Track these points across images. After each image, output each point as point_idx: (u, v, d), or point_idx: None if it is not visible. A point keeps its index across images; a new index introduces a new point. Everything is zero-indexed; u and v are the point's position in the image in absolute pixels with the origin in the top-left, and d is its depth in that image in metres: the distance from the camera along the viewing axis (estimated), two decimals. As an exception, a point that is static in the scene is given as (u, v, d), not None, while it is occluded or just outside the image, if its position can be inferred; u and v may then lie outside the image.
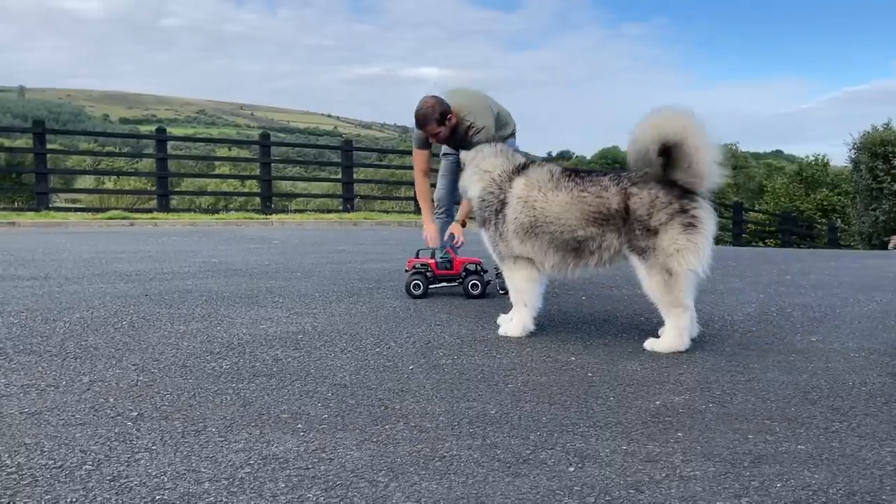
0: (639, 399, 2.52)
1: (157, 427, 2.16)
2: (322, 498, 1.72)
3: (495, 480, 1.83)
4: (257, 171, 15.08)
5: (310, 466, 1.90)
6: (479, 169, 3.61)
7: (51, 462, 1.89)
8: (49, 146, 12.93)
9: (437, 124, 4.13)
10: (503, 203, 3.46)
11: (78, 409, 2.30)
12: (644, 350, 3.22)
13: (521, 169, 3.51)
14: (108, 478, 1.80)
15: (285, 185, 21.10)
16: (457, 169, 4.38)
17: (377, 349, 3.17)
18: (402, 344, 3.27)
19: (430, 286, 4.51)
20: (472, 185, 3.64)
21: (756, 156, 58.70)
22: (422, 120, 4.17)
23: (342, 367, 2.88)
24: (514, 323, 3.51)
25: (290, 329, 3.51)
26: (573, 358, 3.08)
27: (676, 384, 2.71)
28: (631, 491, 1.78)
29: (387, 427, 2.20)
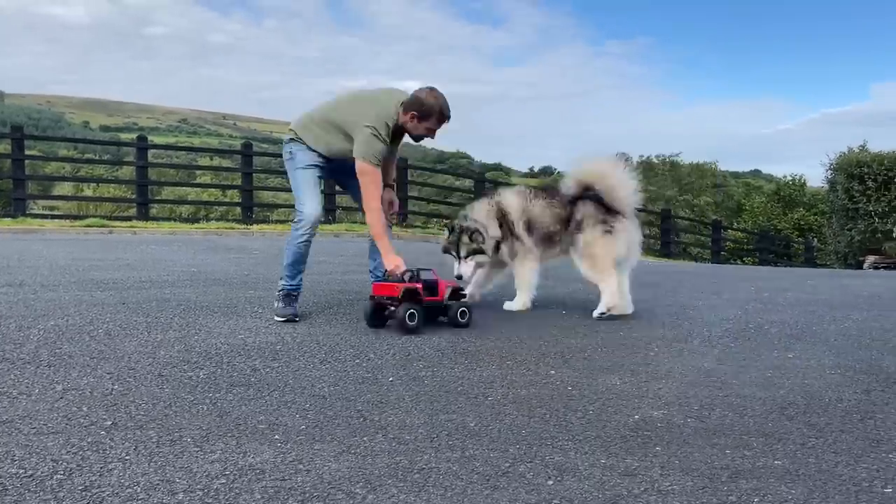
0: (618, 413, 2.52)
1: (131, 436, 2.12)
2: (298, 510, 1.69)
3: (474, 493, 1.82)
4: (239, 181, 15.00)
5: (286, 478, 1.87)
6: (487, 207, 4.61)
7: (21, 471, 1.85)
8: (28, 152, 12.79)
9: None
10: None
11: (50, 417, 2.26)
12: (623, 365, 3.23)
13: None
14: (80, 488, 1.76)
15: (267, 196, 20.99)
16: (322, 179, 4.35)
17: (356, 360, 3.15)
18: (382, 355, 3.25)
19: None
20: (491, 225, 4.51)
21: (735, 175, 59.40)
22: (447, 113, 4.13)
23: (321, 378, 2.85)
24: (516, 301, 4.62)
25: (268, 339, 3.48)
26: (553, 371, 3.08)
27: (655, 399, 2.72)
28: (609, 505, 1.78)
29: (365, 439, 2.18)
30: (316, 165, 4.19)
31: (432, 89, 4.13)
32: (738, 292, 5.97)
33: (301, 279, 4.16)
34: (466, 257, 4.40)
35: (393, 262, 4.02)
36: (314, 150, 4.18)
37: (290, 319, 3.96)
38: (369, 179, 4.03)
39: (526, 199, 4.60)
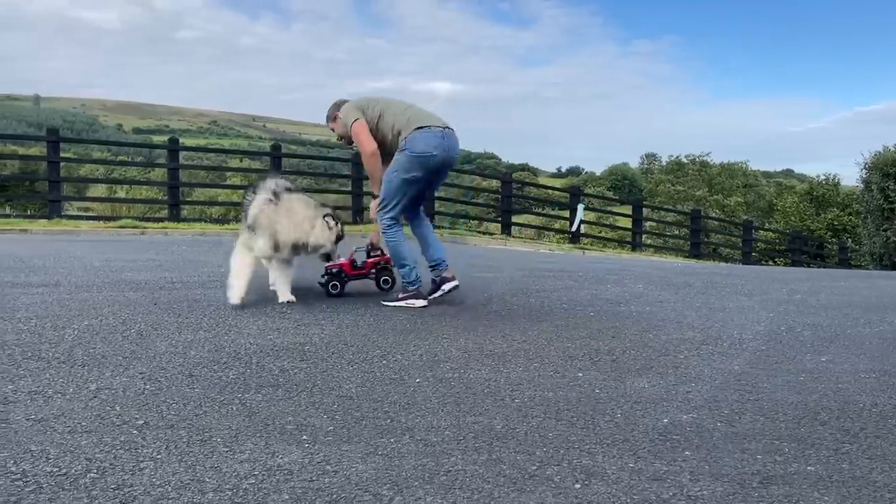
0: (646, 417, 2.50)
1: (162, 436, 2.16)
2: (326, 510, 1.71)
3: (501, 496, 1.82)
4: (268, 182, 15.13)
5: (314, 479, 1.89)
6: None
7: (55, 469, 1.89)
8: (63, 154, 13.04)
9: (333, 121, 4.86)
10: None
11: (84, 416, 2.30)
12: (652, 367, 3.20)
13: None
14: (113, 486, 1.80)
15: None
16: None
17: (384, 361, 3.17)
18: (409, 357, 3.26)
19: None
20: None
21: (766, 174, 58.60)
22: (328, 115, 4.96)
23: (348, 378, 2.87)
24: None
25: (297, 340, 3.51)
26: (580, 374, 3.06)
27: (684, 402, 2.69)
28: (637, 509, 1.76)
29: (392, 440, 2.19)
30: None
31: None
32: (769, 294, 5.88)
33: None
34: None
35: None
36: None
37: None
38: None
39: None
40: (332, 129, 4.92)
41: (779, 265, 19.67)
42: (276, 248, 4.37)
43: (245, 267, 4.37)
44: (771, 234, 26.41)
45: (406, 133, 4.53)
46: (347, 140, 4.79)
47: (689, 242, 18.43)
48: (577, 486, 1.89)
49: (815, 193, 31.17)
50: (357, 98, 4.87)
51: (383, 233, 4.68)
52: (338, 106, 4.82)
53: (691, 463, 2.08)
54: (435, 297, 4.67)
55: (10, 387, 2.58)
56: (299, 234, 4.35)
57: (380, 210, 4.65)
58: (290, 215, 4.34)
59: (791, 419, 2.51)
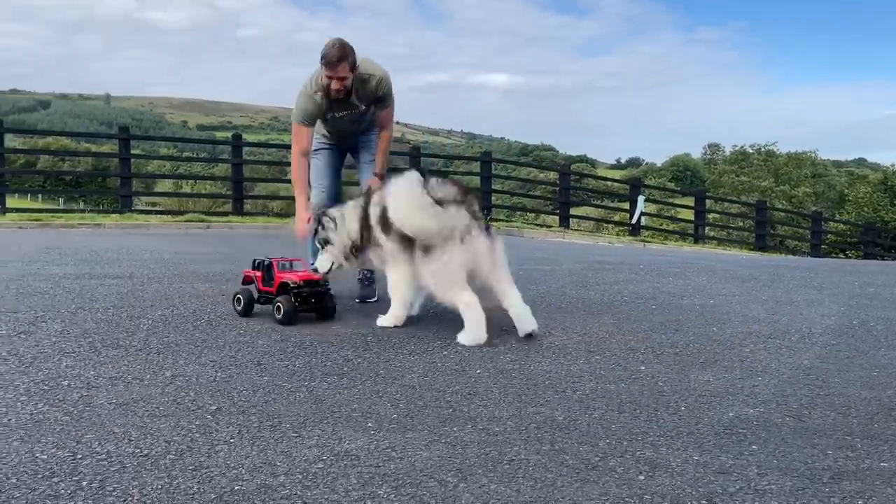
0: (711, 410, 2.47)
1: (234, 421, 2.24)
2: (393, 495, 1.75)
3: (563, 486, 1.83)
4: (328, 177, 15.37)
5: (380, 464, 1.94)
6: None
7: (137, 451, 1.98)
8: (132, 151, 13.53)
9: (350, 67, 3.96)
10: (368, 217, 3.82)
11: (161, 401, 2.41)
12: (716, 361, 3.15)
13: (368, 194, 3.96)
14: (191, 467, 1.88)
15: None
16: (338, 161, 4.52)
17: (445, 352, 3.20)
18: (469, 348, 3.29)
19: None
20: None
21: (837, 164, 56.47)
22: (338, 54, 3.86)
23: (410, 368, 2.92)
24: (388, 315, 3.74)
25: (360, 331, 3.58)
26: (643, 367, 3.04)
27: (751, 396, 2.64)
28: (703, 502, 1.75)
29: (455, 429, 2.23)
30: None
31: (333, 39, 3.97)
32: (840, 287, 5.69)
33: None
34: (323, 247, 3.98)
35: (300, 218, 4.17)
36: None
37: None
38: (293, 136, 4.25)
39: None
40: (341, 76, 3.96)
41: (850, 258, 18.95)
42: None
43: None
44: (842, 225, 25.44)
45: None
46: (346, 93, 4.07)
47: (753, 235, 17.93)
48: (641, 477, 1.89)
49: (889, 183, 29.84)
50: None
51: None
52: (355, 57, 4.01)
53: (759, 457, 2.05)
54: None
55: (92, 373, 2.71)
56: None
57: None
58: None
59: (864, 415, 2.44)
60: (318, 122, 4.31)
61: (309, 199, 4.26)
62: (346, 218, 3.86)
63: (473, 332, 3.39)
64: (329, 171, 4.51)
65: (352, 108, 4.22)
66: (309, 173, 4.33)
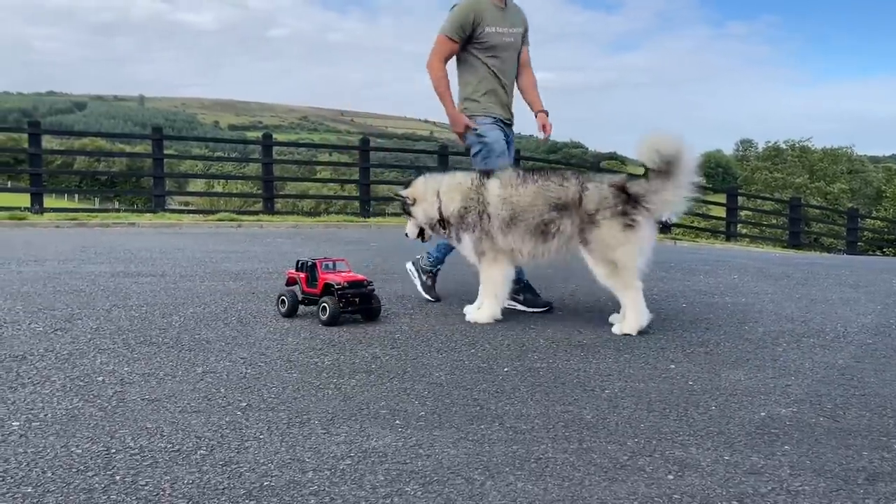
0: (742, 409, 2.44)
1: (264, 417, 2.27)
2: (420, 492, 1.76)
3: (591, 484, 1.82)
4: (356, 176, 15.48)
5: (408, 461, 1.94)
6: (452, 184, 3.90)
7: (169, 446, 2.02)
8: (165, 152, 13.74)
9: None
10: (485, 204, 3.78)
11: (193, 397, 2.45)
12: (748, 360, 3.10)
13: (489, 174, 3.88)
14: (221, 462, 1.91)
15: (383, 190, 21.57)
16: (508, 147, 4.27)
17: (472, 350, 3.20)
18: (497, 346, 3.29)
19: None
20: (452, 201, 3.87)
21: (874, 159, 55.31)
22: None
23: (438, 366, 2.92)
24: (482, 311, 3.83)
25: (387, 328, 3.60)
26: (672, 366, 3.01)
27: (783, 395, 2.60)
28: (734, 503, 1.73)
29: (482, 427, 2.23)
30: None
31: None
32: (877, 285, 5.56)
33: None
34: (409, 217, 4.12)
35: (461, 122, 4.17)
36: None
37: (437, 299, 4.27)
38: (435, 45, 4.21)
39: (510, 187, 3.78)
40: None
41: (887, 255, 18.53)
42: None
43: None
44: (879, 222, 24.89)
45: None
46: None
47: (787, 232, 17.62)
48: (670, 476, 1.87)
49: (928, 179, 29.14)
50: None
51: None
52: None
53: (791, 457, 2.01)
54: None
55: (126, 369, 2.77)
56: None
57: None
58: None
59: (901, 416, 2.39)
60: (480, 95, 4.21)
61: (454, 103, 4.25)
62: (443, 192, 3.90)
63: (642, 316, 3.59)
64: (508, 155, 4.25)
65: (511, 23, 4.23)
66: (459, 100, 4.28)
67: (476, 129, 4.16)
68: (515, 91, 4.41)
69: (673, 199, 3.57)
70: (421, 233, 4.09)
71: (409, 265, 4.63)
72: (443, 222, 3.92)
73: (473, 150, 4.21)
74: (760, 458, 2.00)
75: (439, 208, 3.89)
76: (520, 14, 4.36)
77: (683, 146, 3.50)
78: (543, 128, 4.38)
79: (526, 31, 4.38)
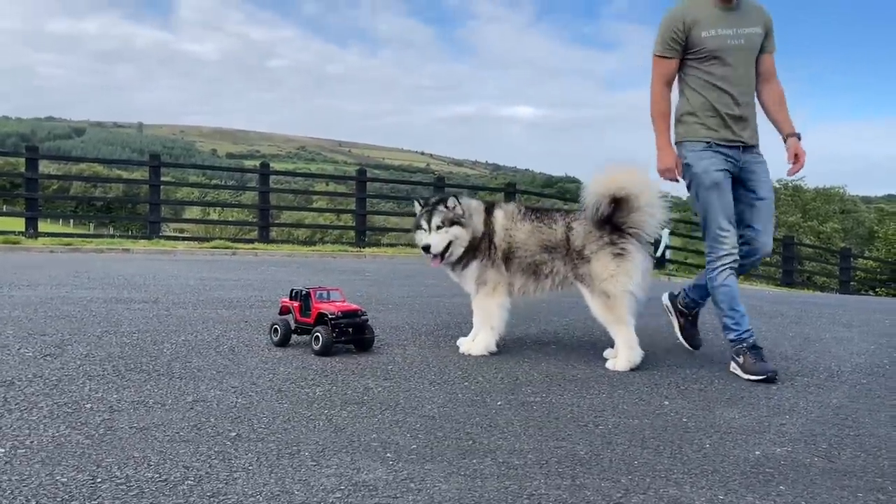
0: (737, 448, 2.42)
1: (253, 448, 2.24)
2: (410, 527, 1.73)
3: (584, 522, 1.79)
4: (353, 206, 15.52)
5: (398, 495, 1.91)
6: (476, 206, 3.89)
7: (156, 476, 1.98)
8: (162, 178, 13.77)
9: None
10: (492, 233, 3.79)
11: (182, 426, 2.42)
12: (742, 398, 3.09)
13: (493, 206, 3.92)
14: (209, 493, 1.87)
15: (379, 220, 21.61)
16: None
17: (465, 383, 3.18)
18: (490, 379, 3.27)
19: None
20: (479, 225, 3.83)
21: (866, 199, 55.77)
22: None
23: (430, 399, 2.90)
24: (477, 343, 3.80)
25: (380, 359, 3.57)
26: (666, 402, 2.99)
27: (778, 434, 2.58)
28: (728, 543, 1.70)
29: (474, 461, 2.20)
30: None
31: None
32: (870, 325, 5.57)
33: (747, 319, 3.56)
34: (439, 227, 3.74)
35: (664, 163, 3.56)
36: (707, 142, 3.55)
37: (772, 377, 3.37)
38: (652, 68, 3.64)
39: (511, 220, 3.80)
40: None
41: (880, 295, 18.57)
42: None
43: None
44: (872, 262, 25.00)
45: None
46: None
47: (780, 270, 17.68)
48: (664, 516, 1.85)
49: (920, 220, 29.39)
50: None
51: None
52: None
53: (786, 498, 1.99)
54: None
55: (115, 396, 2.73)
56: None
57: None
58: None
59: (895, 456, 2.37)
60: (689, 114, 3.59)
61: (669, 140, 3.62)
62: (474, 214, 3.83)
63: (634, 353, 3.57)
64: (732, 205, 3.56)
65: (741, 24, 3.50)
66: (675, 127, 3.66)
67: (683, 163, 3.57)
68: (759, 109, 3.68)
69: (648, 218, 3.53)
70: (446, 250, 3.75)
71: (666, 299, 4.13)
72: (473, 244, 3.77)
73: (686, 184, 3.64)
74: (755, 499, 1.98)
75: (479, 228, 3.80)
76: (757, 13, 3.59)
77: (630, 180, 3.49)
78: (795, 157, 3.58)
79: (768, 33, 3.60)
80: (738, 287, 3.57)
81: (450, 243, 3.75)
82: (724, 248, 3.49)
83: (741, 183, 3.58)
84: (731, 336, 3.53)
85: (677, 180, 3.57)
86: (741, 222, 3.58)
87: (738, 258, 3.51)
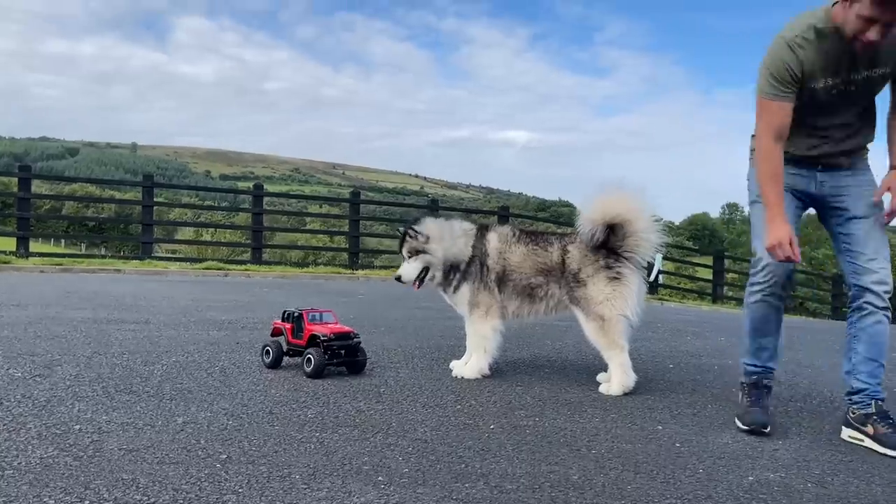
0: (730, 473, 2.41)
1: (244, 471, 2.21)
2: (401, 552, 1.71)
3: (577, 548, 1.78)
4: (346, 228, 15.53)
5: (390, 520, 1.89)
6: (467, 228, 3.90)
7: (145, 498, 1.96)
8: (155, 199, 13.75)
9: None
10: (485, 256, 3.79)
11: (172, 448, 2.39)
12: (734, 423, 3.08)
13: (486, 228, 3.92)
14: (197, 517, 1.85)
15: (372, 242, 21.61)
16: (796, 212, 3.08)
17: (458, 406, 3.16)
18: (483, 403, 3.25)
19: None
20: (466, 246, 3.82)
21: (857, 226, 56.08)
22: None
23: (423, 422, 2.88)
24: (470, 366, 3.80)
25: (372, 382, 3.55)
26: (660, 427, 2.98)
27: (771, 460, 2.57)
28: (722, 570, 1.69)
29: (467, 485, 2.18)
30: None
31: None
32: (862, 351, 5.58)
33: (771, 358, 3.23)
34: (410, 256, 3.80)
35: (774, 236, 2.80)
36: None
37: (758, 429, 2.92)
38: (756, 115, 2.92)
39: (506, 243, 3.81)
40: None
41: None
42: None
43: None
44: (862, 288, 25.11)
45: None
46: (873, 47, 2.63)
47: (773, 295, 17.71)
48: (658, 541, 1.83)
49: (911, 246, 29.61)
50: None
51: None
52: None
53: (780, 524, 1.98)
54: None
55: (104, 417, 2.71)
56: None
57: None
58: None
59: (888, 483, 2.37)
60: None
61: (782, 208, 2.85)
62: (457, 238, 3.81)
63: (628, 378, 3.58)
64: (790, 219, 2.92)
65: (861, 69, 2.77)
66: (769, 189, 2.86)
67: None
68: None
69: (643, 242, 3.58)
70: (421, 277, 3.81)
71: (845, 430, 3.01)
72: (456, 267, 3.80)
73: None
74: (749, 524, 1.97)
75: (462, 250, 3.79)
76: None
77: (625, 206, 3.54)
78: (889, 190, 2.93)
79: None
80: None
81: (424, 269, 3.80)
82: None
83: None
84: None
85: (791, 259, 2.83)
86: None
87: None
